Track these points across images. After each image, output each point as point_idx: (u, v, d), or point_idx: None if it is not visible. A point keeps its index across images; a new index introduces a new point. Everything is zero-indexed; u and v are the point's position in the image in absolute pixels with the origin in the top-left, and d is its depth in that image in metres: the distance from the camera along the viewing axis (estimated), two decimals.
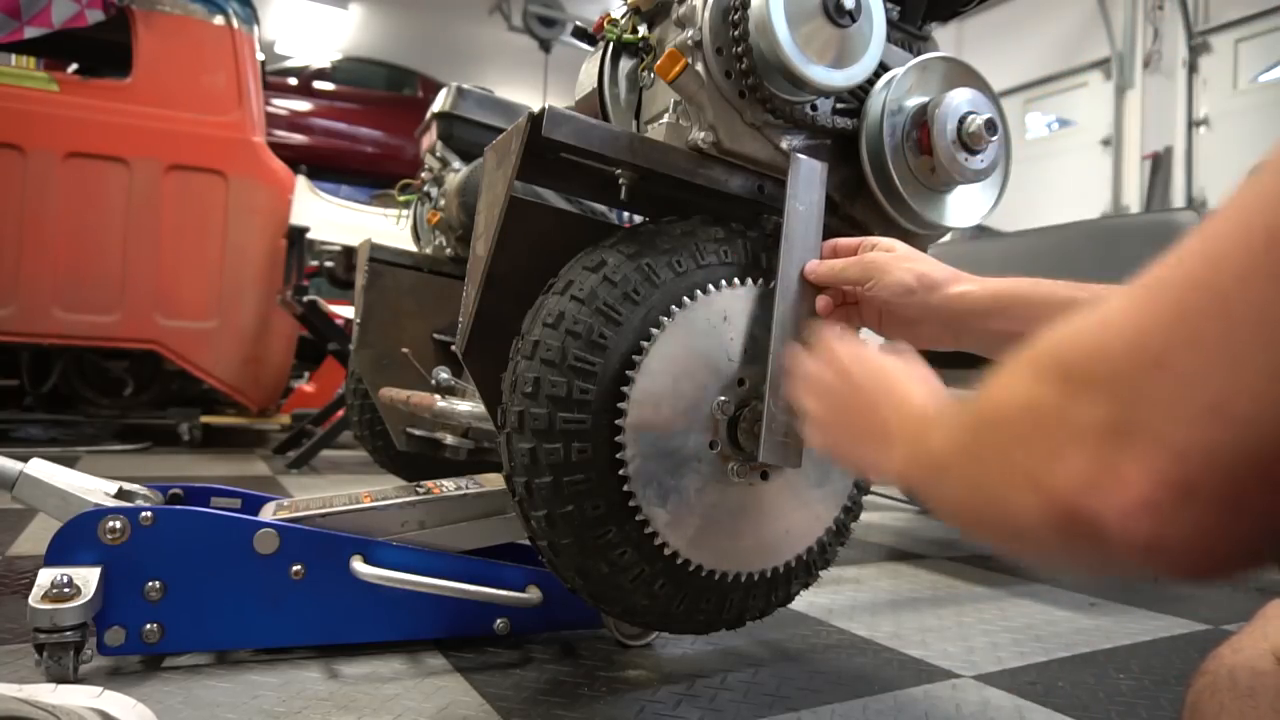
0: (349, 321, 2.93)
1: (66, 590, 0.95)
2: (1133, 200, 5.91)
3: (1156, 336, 0.25)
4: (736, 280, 0.93)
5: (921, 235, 1.04)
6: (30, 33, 2.94)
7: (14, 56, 4.01)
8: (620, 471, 0.86)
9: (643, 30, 1.03)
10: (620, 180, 0.96)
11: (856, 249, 0.87)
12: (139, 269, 3.22)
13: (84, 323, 3.16)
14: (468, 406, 1.34)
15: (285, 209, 3.49)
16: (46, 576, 0.96)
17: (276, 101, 6.23)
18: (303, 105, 6.58)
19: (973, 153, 0.98)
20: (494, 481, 1.22)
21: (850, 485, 1.03)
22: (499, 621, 1.17)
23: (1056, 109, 6.65)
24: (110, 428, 3.59)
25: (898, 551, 2.05)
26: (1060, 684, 1.13)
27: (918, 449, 0.46)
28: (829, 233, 0.93)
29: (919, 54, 1.04)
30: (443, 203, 2.04)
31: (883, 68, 0.99)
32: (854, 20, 0.91)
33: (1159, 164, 5.76)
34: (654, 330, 0.88)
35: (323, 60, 7.01)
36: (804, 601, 1.45)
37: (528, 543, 1.04)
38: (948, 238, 1.20)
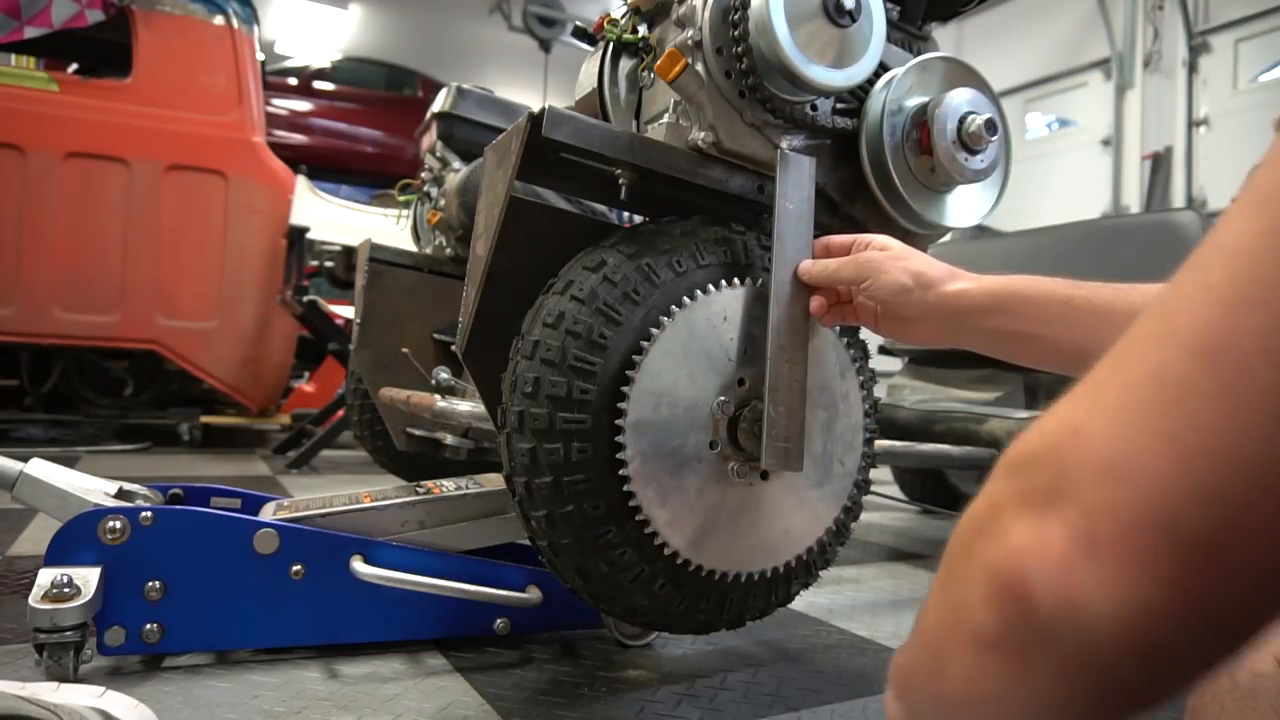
0: (349, 321, 2.93)
1: (66, 590, 0.95)
2: (1133, 200, 5.91)
3: (1078, 408, 0.27)
4: (736, 280, 0.92)
5: (921, 235, 1.05)
6: (30, 33, 2.94)
7: (14, 56, 4.01)
8: (620, 471, 0.86)
9: (643, 30, 1.03)
10: (620, 180, 0.96)
11: (849, 247, 0.86)
12: (139, 269, 3.22)
13: (84, 323, 3.16)
14: (468, 406, 1.34)
15: (285, 209, 3.49)
16: (46, 576, 0.96)
17: (276, 101, 6.23)
18: (303, 105, 6.59)
19: (973, 153, 0.98)
20: (494, 481, 1.22)
21: (850, 485, 1.03)
22: (499, 621, 1.17)
23: (1056, 109, 6.64)
24: (110, 428, 3.59)
25: (898, 551, 2.05)
26: None
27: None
28: (829, 233, 0.93)
29: (919, 54, 1.04)
30: (443, 203, 2.04)
31: (883, 68, 0.99)
32: (854, 20, 0.91)
33: (1159, 164, 5.76)
34: (654, 330, 0.87)
35: (323, 60, 7.02)
36: (804, 601, 1.45)
37: (528, 543, 1.04)
38: (948, 238, 1.20)
